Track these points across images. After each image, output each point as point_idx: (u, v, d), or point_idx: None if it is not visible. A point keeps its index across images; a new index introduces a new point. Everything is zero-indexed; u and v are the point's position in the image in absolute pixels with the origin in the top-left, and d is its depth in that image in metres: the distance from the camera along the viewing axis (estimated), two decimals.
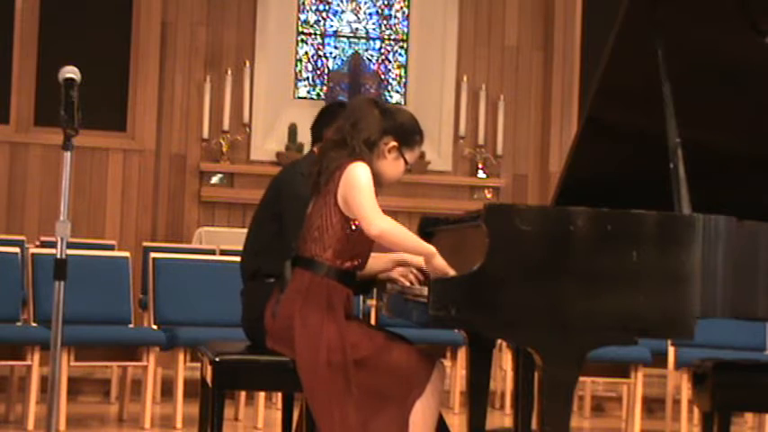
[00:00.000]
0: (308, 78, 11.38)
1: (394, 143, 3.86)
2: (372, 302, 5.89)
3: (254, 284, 4.30)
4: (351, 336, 3.72)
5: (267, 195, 4.43)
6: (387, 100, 11.19)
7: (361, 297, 6.52)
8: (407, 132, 3.91)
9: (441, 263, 3.66)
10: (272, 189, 4.42)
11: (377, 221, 3.67)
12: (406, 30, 11.56)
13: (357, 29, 11.56)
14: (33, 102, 10.11)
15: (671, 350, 6.47)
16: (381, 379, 3.68)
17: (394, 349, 3.74)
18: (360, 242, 3.79)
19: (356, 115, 3.86)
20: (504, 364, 7.23)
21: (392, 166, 3.89)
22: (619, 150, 4.07)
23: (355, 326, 3.80)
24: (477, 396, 4.21)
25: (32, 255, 6.34)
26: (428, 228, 4.36)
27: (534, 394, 3.49)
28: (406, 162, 3.90)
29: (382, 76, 11.42)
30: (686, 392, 6.40)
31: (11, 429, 6.20)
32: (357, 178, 3.73)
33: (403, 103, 11.31)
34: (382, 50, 11.55)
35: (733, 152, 4.02)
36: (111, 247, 8.28)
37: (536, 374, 3.39)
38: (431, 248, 3.70)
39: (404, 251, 3.87)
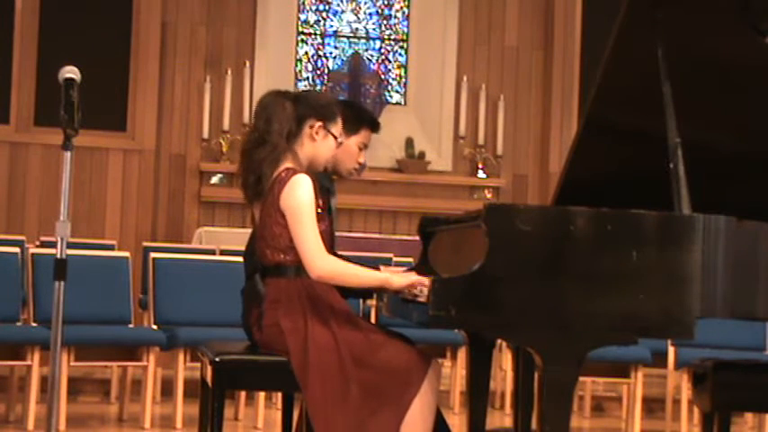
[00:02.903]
0: (308, 78, 11.38)
1: (318, 123, 3.85)
2: (372, 302, 5.87)
3: (252, 283, 4.29)
4: (345, 333, 3.72)
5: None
6: (387, 100, 11.20)
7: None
8: (325, 108, 3.89)
9: (401, 280, 3.68)
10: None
11: (316, 264, 3.68)
12: (406, 30, 11.56)
13: (357, 29, 11.56)
14: (33, 102, 10.11)
15: (671, 350, 6.47)
16: (377, 378, 3.67)
17: (389, 348, 3.73)
18: None
19: (268, 111, 3.82)
20: (504, 364, 7.22)
21: (323, 146, 3.87)
22: (619, 150, 4.07)
23: (352, 323, 3.79)
24: (477, 396, 4.21)
25: (32, 255, 6.32)
26: (428, 228, 4.36)
27: (534, 394, 3.49)
28: (335, 137, 3.90)
29: (382, 76, 11.41)
30: (686, 392, 6.39)
31: (11, 429, 6.20)
32: (298, 203, 3.70)
33: (403, 103, 11.31)
34: (382, 50, 11.55)
35: (733, 152, 4.01)
36: (111, 247, 8.27)
37: (536, 374, 3.39)
38: (382, 275, 3.74)
39: (355, 287, 3.85)
